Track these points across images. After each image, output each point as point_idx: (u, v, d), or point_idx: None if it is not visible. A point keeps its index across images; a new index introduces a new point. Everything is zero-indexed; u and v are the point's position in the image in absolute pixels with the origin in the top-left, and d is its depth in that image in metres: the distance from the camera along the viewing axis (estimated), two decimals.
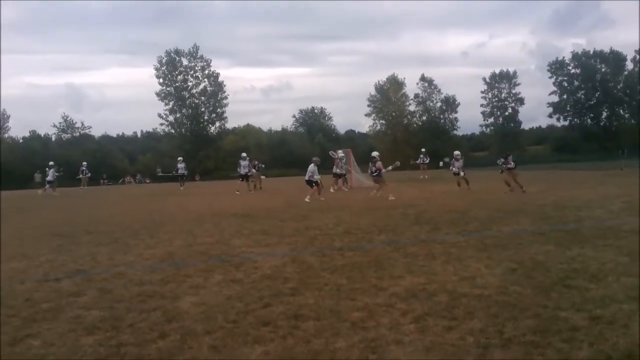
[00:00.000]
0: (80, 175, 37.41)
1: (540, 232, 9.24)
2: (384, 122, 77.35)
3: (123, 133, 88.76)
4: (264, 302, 5.43)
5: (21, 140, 72.38)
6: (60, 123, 74.89)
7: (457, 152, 22.57)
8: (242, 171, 26.74)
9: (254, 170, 28.02)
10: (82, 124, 76.41)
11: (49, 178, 31.15)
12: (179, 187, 31.78)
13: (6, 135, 72.50)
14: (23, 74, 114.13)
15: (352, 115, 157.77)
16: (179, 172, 33.41)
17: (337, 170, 24.65)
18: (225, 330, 4.63)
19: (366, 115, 78.37)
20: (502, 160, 19.65)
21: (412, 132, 74.43)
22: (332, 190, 23.46)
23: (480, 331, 4.34)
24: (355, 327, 4.56)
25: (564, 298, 5.19)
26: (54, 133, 75.13)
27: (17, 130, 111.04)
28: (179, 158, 35.16)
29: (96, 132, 79.56)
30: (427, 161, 33.89)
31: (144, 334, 4.64)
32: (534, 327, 4.38)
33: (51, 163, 31.85)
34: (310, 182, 19.46)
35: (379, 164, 19.30)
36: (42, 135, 74.83)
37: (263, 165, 31.85)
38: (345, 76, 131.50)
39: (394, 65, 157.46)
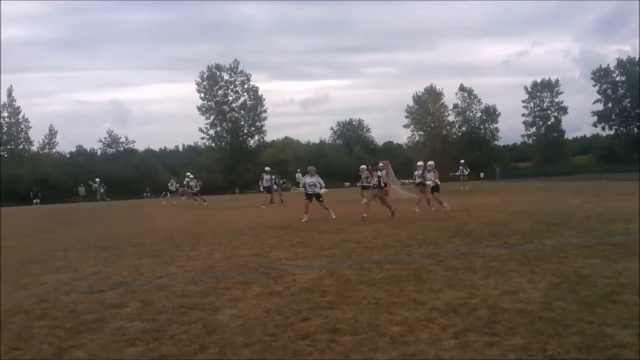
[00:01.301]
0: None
1: (585, 245, 8.97)
2: (422, 133, 76.94)
3: (165, 147, 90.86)
4: (302, 316, 5.44)
5: (68, 155, 74.88)
6: (105, 138, 77.47)
7: (430, 162, 20.26)
8: (265, 184, 27.10)
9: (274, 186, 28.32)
10: (126, 138, 78.91)
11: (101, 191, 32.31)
12: (202, 202, 31.48)
13: (54, 151, 75.26)
14: (71, 90, 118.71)
15: (391, 127, 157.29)
16: (194, 189, 32.88)
17: (364, 183, 24.51)
18: (263, 344, 4.65)
19: (404, 126, 78.11)
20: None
21: (451, 143, 73.77)
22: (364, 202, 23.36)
23: (522, 348, 4.24)
24: (394, 342, 4.52)
25: (611, 314, 5.01)
26: (100, 148, 77.67)
27: (65, 145, 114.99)
28: (188, 174, 34.33)
29: (139, 147, 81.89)
30: (467, 172, 33.43)
31: (184, 346, 4.70)
32: (578, 344, 4.25)
33: (97, 179, 32.69)
34: (317, 196, 17.01)
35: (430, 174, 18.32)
36: (88, 150, 77.30)
37: (277, 179, 31.85)
38: (383, 87, 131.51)
39: (432, 75, 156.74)
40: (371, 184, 19.91)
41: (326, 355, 4.30)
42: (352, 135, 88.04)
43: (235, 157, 66.70)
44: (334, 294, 6.34)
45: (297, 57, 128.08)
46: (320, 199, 17.07)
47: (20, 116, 70.48)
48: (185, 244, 11.68)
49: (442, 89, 76.16)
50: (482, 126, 76.32)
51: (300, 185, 17.14)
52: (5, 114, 69.68)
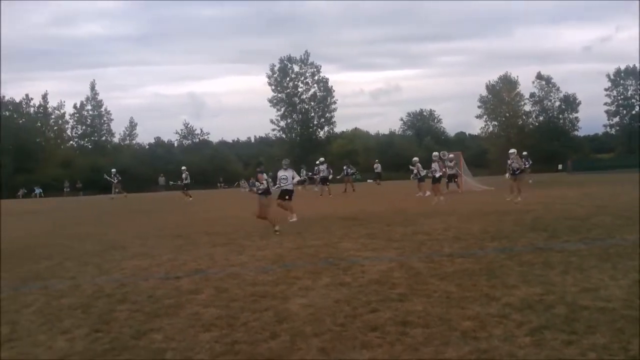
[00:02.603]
0: (114, 181, 36.12)
1: None
2: (496, 123, 74.46)
3: (238, 138, 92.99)
4: (371, 307, 5.43)
5: (147, 147, 78.23)
6: (181, 130, 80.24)
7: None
8: (322, 175, 27.24)
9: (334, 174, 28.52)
10: (201, 130, 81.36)
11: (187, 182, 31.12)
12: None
13: (134, 142, 78.88)
14: (149, 84, 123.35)
15: (463, 117, 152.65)
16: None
17: (421, 174, 24.07)
18: (333, 333, 4.68)
19: (477, 117, 75.91)
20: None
21: (528, 134, 70.96)
22: (421, 195, 23.01)
23: (603, 347, 4.03)
24: (466, 337, 4.42)
25: None
26: (176, 139, 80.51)
27: (144, 137, 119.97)
28: (183, 167, 32.19)
29: (214, 138, 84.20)
30: (529, 165, 31.67)
31: (256, 333, 4.81)
32: None
33: (183, 167, 31.84)
34: (290, 193, 14.98)
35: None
36: (165, 142, 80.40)
37: (351, 170, 31.88)
38: (455, 76, 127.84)
39: (506, 63, 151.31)
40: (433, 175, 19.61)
41: (396, 348, 4.27)
42: (422, 126, 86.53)
43: (305, 148, 67.28)
44: (404, 286, 6.28)
45: (368, 47, 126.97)
46: (287, 197, 14.89)
47: (102, 109, 74.34)
48: (256, 233, 11.92)
49: (518, 77, 73.32)
50: (560, 116, 72.94)
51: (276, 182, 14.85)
52: (89, 107, 73.67)
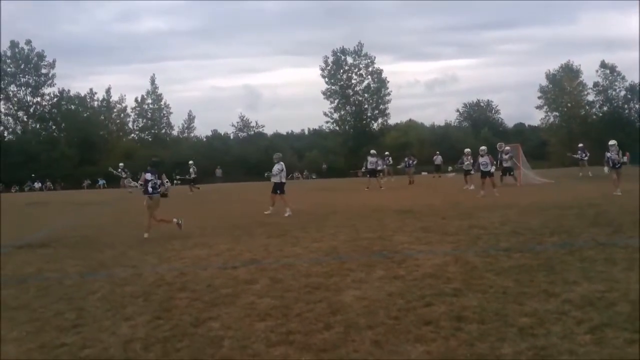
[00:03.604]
0: (122, 175, 34.66)
1: None
2: (557, 114, 71.81)
3: (292, 130, 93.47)
4: (425, 301, 5.40)
5: (204, 139, 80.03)
6: (237, 122, 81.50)
7: (482, 148, 20.13)
8: (369, 167, 27.04)
9: (384, 166, 28.56)
10: (256, 123, 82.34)
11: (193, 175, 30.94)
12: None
13: (192, 135, 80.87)
14: (207, 77, 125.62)
15: (523, 108, 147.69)
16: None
17: (470, 166, 23.64)
18: (386, 326, 4.69)
19: (537, 107, 73.44)
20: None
21: (591, 125, 68.06)
22: (467, 187, 22.54)
23: None
24: (523, 334, 4.33)
25: None
26: (232, 132, 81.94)
27: (201, 129, 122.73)
28: (190, 162, 32.25)
29: (268, 130, 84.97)
30: (587, 157, 30.35)
31: (310, 323, 4.88)
32: None
33: (190, 162, 31.82)
34: (279, 186, 15.37)
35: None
36: (222, 134, 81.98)
37: (412, 162, 31.68)
38: (514, 66, 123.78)
39: (569, 51, 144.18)
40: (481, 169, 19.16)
41: (450, 343, 4.24)
42: (479, 117, 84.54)
43: (359, 140, 67.04)
44: (459, 281, 6.20)
45: (423, 37, 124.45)
46: (277, 191, 15.31)
47: (162, 102, 76.54)
48: (311, 225, 12.03)
49: (580, 65, 70.48)
50: (626, 106, 69.63)
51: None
52: (149, 100, 75.98)
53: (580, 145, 31.56)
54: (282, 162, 15.73)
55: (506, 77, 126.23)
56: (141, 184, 12.29)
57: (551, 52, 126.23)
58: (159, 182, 11.92)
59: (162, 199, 12.00)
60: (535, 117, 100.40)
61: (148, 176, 11.81)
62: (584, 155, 30.35)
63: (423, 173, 43.97)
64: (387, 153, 35.00)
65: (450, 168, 31.18)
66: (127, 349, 4.43)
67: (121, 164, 35.43)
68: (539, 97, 72.74)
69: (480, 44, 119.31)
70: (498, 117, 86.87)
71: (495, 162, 21.77)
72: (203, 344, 4.48)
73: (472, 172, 23.38)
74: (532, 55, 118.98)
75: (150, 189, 11.72)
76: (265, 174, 15.89)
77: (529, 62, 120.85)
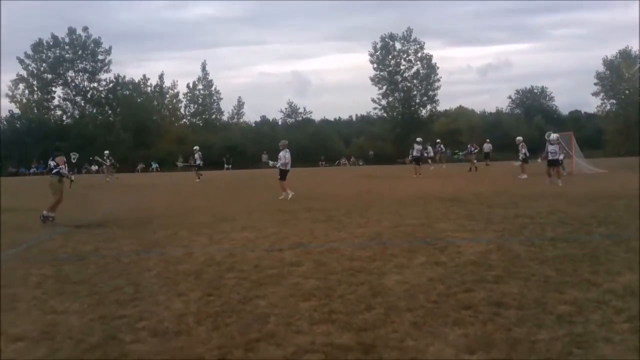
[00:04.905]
0: (105, 163, 34.48)
1: None
2: (614, 101, 69.04)
3: (340, 117, 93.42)
4: (465, 287, 5.51)
5: (253, 125, 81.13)
6: (285, 108, 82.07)
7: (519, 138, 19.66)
8: (415, 155, 27.04)
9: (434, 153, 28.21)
10: (304, 109, 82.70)
11: (198, 162, 30.62)
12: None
13: (241, 120, 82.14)
14: (255, 63, 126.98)
15: (579, 94, 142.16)
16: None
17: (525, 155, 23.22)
18: (426, 310, 4.84)
19: (593, 94, 70.81)
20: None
21: None
22: (524, 177, 22.04)
23: None
24: (561, 321, 4.41)
25: None
26: (280, 118, 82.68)
27: (250, 115, 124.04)
28: (195, 147, 31.43)
29: (316, 117, 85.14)
30: None
31: (352, 304, 5.08)
32: None
33: (196, 147, 31.15)
34: (282, 173, 16.36)
35: None
36: (270, 120, 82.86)
37: (474, 149, 31.37)
38: (571, 51, 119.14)
39: (627, 36, 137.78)
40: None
41: (488, 327, 4.35)
42: (532, 104, 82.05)
43: (407, 127, 66.39)
44: (501, 268, 6.27)
45: (476, 21, 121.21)
46: (279, 177, 16.46)
47: (212, 88, 77.95)
48: (356, 211, 12.21)
49: (639, 51, 67.39)
50: None
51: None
52: (200, 86, 77.50)
53: None
54: (287, 149, 16.52)
55: (561, 62, 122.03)
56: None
57: (608, 38, 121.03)
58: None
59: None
60: (592, 104, 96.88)
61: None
62: None
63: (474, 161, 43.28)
64: (438, 140, 34.75)
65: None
66: (180, 322, 4.74)
67: (106, 152, 35.28)
68: (595, 84, 70.18)
69: (534, 28, 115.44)
70: (552, 104, 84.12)
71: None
72: (250, 320, 4.74)
73: (524, 160, 22.98)
74: (589, 40, 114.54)
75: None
76: (270, 164, 16.99)
77: (585, 47, 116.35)
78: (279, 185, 16.55)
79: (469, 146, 32.18)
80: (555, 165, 18.78)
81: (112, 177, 33.65)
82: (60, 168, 12.29)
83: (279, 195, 16.09)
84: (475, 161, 31.87)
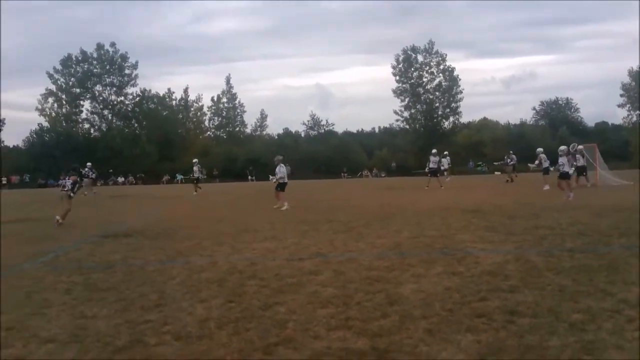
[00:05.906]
0: (89, 176, 31.92)
1: None
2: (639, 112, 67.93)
3: (362, 129, 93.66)
4: (480, 296, 5.60)
5: (276, 137, 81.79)
6: (308, 121, 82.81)
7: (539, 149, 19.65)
8: (432, 167, 27.09)
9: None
10: (327, 121, 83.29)
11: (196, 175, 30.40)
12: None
13: (264, 133, 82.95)
14: (279, 76, 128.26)
15: (606, 105, 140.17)
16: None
17: (544, 165, 23.07)
18: (440, 317, 4.95)
19: (619, 105, 69.83)
20: None
21: None
22: (548, 188, 21.82)
23: None
24: (573, 328, 4.49)
25: None
26: (303, 130, 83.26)
27: (274, 127, 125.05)
28: (194, 160, 31.50)
29: (338, 129, 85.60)
30: None
31: (368, 312, 5.22)
32: None
33: (195, 160, 31.14)
34: (282, 185, 17.64)
35: None
36: (293, 132, 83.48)
37: (510, 161, 31.19)
38: (597, 62, 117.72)
39: None
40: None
41: (500, 334, 4.45)
42: (557, 116, 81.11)
43: (429, 139, 66.23)
44: (517, 278, 6.34)
45: (500, 32, 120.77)
46: (278, 188, 17.73)
47: (236, 101, 79.06)
48: (376, 222, 12.33)
49: None
50: None
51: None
52: (224, 99, 78.66)
53: None
54: (282, 165, 17.89)
55: (587, 73, 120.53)
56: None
57: (634, 49, 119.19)
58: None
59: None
60: (619, 115, 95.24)
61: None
62: None
63: (496, 173, 43.01)
64: (445, 152, 34.75)
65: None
66: (203, 327, 4.93)
67: (89, 164, 33.07)
68: (621, 95, 69.23)
69: (558, 39, 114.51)
70: (577, 115, 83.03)
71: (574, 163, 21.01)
72: (270, 326, 4.91)
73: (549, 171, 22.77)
74: (614, 51, 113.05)
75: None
76: (270, 178, 19.05)
77: (610, 58, 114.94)
78: (275, 195, 17.81)
79: (505, 157, 31.98)
80: (565, 178, 18.29)
81: (91, 191, 31.32)
82: (69, 185, 14.53)
83: (274, 205, 17.37)
84: (515, 173, 31.62)
